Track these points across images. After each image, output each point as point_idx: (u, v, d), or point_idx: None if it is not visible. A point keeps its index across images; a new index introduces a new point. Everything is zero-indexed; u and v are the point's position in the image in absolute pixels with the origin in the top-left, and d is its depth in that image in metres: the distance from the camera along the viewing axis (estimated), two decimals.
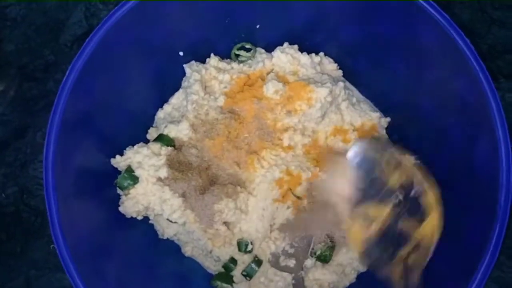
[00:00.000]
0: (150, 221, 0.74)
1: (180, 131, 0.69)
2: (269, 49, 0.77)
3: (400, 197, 0.58)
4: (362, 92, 0.79)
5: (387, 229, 0.59)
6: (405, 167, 0.59)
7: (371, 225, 0.58)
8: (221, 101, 0.70)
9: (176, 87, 0.78)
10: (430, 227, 0.58)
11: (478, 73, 0.57)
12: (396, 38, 0.69)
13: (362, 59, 0.76)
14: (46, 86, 0.88)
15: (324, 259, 0.68)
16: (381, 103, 0.78)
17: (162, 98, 0.77)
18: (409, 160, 0.61)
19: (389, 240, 0.58)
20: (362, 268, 0.71)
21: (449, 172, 0.67)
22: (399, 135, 0.76)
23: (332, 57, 0.78)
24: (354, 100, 0.75)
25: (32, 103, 0.88)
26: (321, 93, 0.68)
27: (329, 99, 0.69)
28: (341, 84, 0.70)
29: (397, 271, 0.58)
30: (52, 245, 0.58)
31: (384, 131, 0.76)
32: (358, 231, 0.59)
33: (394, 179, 0.59)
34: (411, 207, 0.58)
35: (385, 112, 0.77)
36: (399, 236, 0.58)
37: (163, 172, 0.66)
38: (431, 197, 0.59)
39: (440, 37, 0.60)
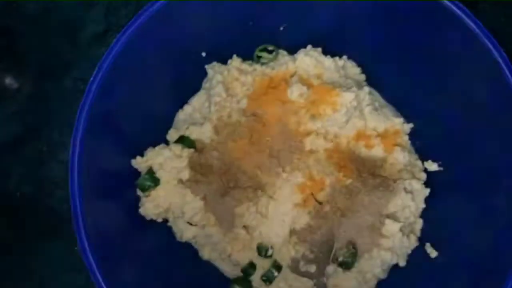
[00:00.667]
0: (168, 224, 0.73)
1: (202, 133, 0.69)
2: (292, 51, 0.77)
3: None
4: (384, 97, 0.78)
5: None
6: None
7: None
8: (244, 103, 0.70)
9: (195, 88, 0.77)
10: None
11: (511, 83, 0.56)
12: (422, 43, 0.68)
13: (386, 63, 0.75)
14: (63, 84, 0.87)
15: (346, 265, 0.67)
16: (404, 109, 0.77)
17: (182, 99, 0.77)
18: None
19: None
20: (383, 276, 0.70)
21: (473, 184, 0.67)
22: (421, 142, 0.75)
23: (355, 61, 0.77)
24: (377, 105, 0.74)
25: (48, 101, 0.87)
26: (346, 98, 0.67)
27: (354, 103, 0.68)
28: (366, 89, 0.70)
29: None
30: (76, 247, 0.57)
31: (407, 137, 0.75)
32: None
33: None
34: None
35: (407, 118, 0.76)
36: None
37: (185, 174, 0.65)
38: None
39: (471, 44, 0.60)
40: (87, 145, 0.60)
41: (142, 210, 0.67)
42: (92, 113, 0.60)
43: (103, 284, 0.59)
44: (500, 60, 0.56)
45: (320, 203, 0.69)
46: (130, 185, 0.68)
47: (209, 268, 0.75)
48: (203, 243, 0.73)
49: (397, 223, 0.67)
